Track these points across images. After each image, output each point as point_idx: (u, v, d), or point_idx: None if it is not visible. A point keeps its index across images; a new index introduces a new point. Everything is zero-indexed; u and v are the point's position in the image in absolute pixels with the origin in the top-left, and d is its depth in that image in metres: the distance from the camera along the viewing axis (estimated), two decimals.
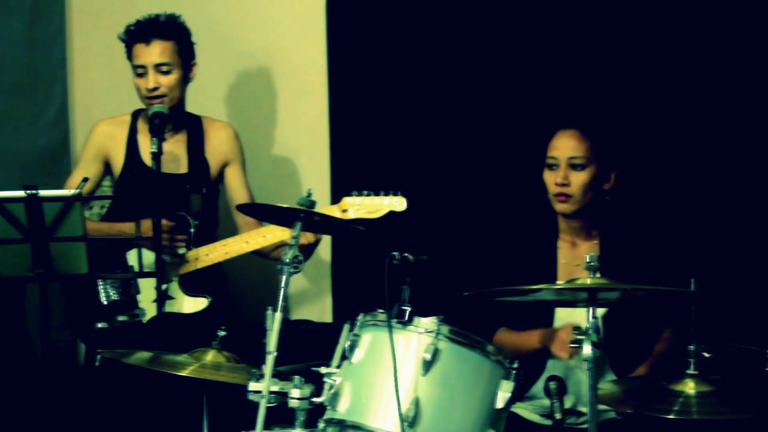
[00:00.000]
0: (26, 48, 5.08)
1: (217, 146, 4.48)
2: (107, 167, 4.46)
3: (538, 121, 4.32)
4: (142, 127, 4.43)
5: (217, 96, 5.07)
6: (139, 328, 4.20)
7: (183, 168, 4.40)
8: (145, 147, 4.37)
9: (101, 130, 4.47)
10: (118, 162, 4.43)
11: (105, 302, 4.27)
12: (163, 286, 4.26)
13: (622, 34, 4.39)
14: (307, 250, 4.20)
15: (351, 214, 4.18)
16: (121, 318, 4.23)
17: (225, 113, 5.06)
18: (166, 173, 4.22)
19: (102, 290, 4.28)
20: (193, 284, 4.30)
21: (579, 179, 3.80)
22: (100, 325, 4.20)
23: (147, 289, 4.27)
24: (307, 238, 4.13)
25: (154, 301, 4.22)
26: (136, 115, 4.47)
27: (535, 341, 3.72)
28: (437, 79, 4.64)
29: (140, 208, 4.09)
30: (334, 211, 4.18)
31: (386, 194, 4.20)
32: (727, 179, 4.28)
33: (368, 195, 4.19)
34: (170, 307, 4.21)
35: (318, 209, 3.44)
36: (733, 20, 4.27)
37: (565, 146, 3.81)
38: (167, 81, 4.30)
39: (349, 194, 4.22)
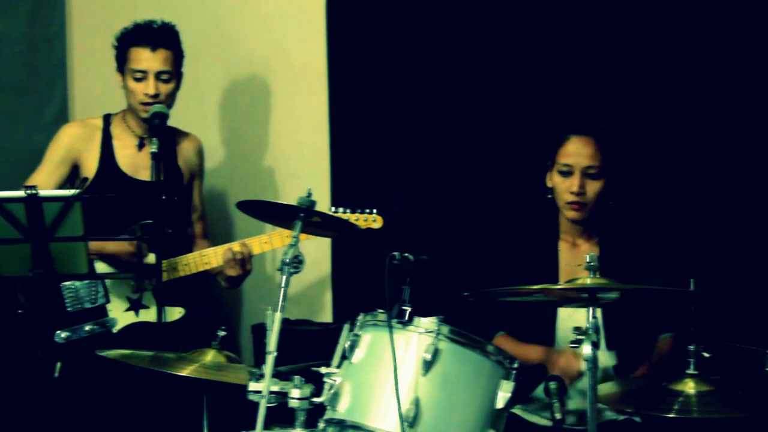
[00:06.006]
0: (26, 48, 5.08)
1: (188, 157, 4.50)
2: (74, 171, 4.38)
3: (541, 122, 4.31)
4: (117, 132, 4.39)
5: (218, 96, 5.07)
6: (110, 338, 4.17)
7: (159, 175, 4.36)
8: (121, 152, 4.36)
9: (71, 132, 4.41)
10: (90, 167, 4.35)
11: (70, 309, 4.21)
12: (136, 295, 4.26)
13: (624, 40, 4.38)
14: (236, 280, 4.28)
15: None
16: (88, 327, 4.20)
17: (225, 113, 5.06)
18: (142, 180, 4.24)
19: (70, 296, 4.21)
20: (167, 294, 4.20)
21: (594, 188, 3.79)
22: (63, 335, 4.16)
23: (118, 299, 4.26)
24: (236, 271, 4.23)
25: (127, 310, 4.21)
26: (108, 118, 4.42)
27: (534, 357, 3.72)
28: (438, 79, 4.64)
29: (122, 213, 4.10)
30: None
31: (362, 212, 4.21)
32: (727, 179, 4.27)
33: (345, 212, 4.19)
34: (145, 316, 4.19)
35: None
36: (732, 33, 4.27)
37: (580, 154, 3.78)
38: (166, 89, 4.29)
39: (336, 206, 4.23)
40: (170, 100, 4.32)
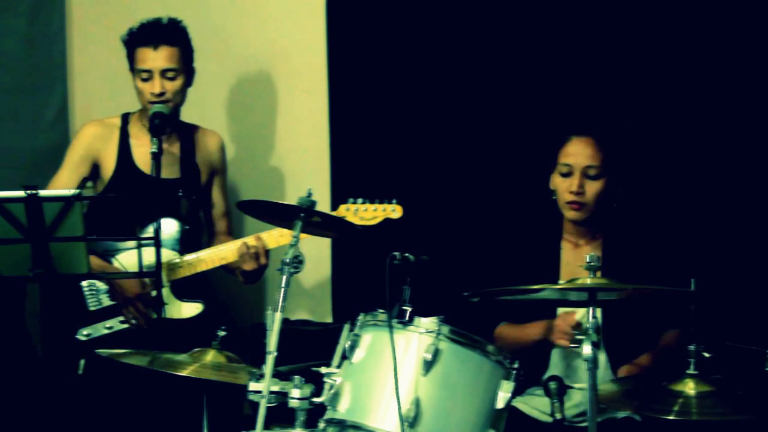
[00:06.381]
0: (26, 48, 5.08)
1: (208, 154, 4.49)
2: (94, 170, 4.39)
3: (544, 122, 4.31)
4: (134, 131, 4.40)
5: (218, 97, 5.07)
6: (130, 335, 4.18)
7: (176, 173, 4.38)
8: (138, 151, 4.36)
9: (91, 131, 4.41)
10: (108, 166, 4.37)
11: (92, 309, 4.23)
12: (154, 293, 4.26)
13: (625, 42, 4.38)
14: (252, 275, 4.28)
15: None
16: (109, 324, 4.20)
17: (226, 114, 5.06)
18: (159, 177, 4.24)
19: (91, 296, 4.24)
20: (184, 290, 4.28)
21: (593, 188, 3.79)
22: (85, 332, 4.17)
23: None
24: (251, 265, 4.22)
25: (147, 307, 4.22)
26: (126, 117, 4.43)
27: (535, 333, 3.72)
28: (438, 79, 4.64)
29: (135, 211, 4.09)
30: None
31: (381, 202, 4.20)
32: (728, 180, 4.27)
33: (363, 203, 4.20)
34: (164, 312, 4.19)
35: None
36: (732, 33, 4.27)
37: (580, 154, 3.78)
38: (172, 86, 4.29)
39: (344, 201, 4.23)
40: (179, 97, 4.32)
